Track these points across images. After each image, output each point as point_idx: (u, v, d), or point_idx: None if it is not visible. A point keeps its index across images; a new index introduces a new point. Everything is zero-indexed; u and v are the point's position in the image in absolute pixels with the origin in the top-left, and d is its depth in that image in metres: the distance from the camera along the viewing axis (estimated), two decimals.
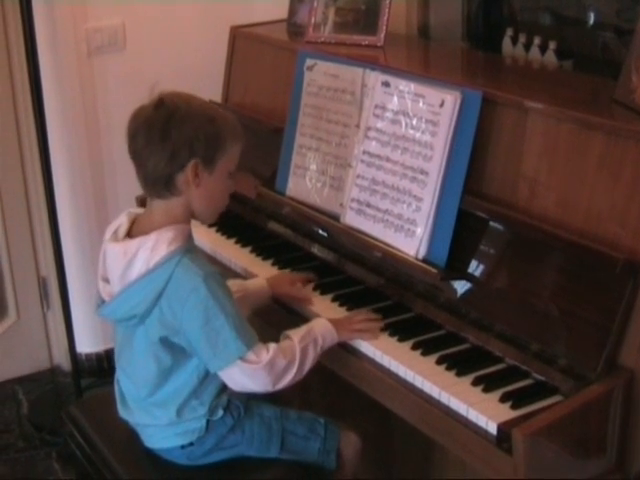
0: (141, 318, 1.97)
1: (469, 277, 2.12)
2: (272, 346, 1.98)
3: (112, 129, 3.43)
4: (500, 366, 2.02)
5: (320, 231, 2.55)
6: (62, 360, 3.73)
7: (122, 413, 2.17)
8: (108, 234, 2.05)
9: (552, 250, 1.98)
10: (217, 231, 2.76)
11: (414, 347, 2.10)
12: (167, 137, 1.92)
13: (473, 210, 2.14)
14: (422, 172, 2.21)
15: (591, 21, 2.72)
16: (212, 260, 2.55)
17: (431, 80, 2.25)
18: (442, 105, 2.17)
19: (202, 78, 3.06)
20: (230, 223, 2.67)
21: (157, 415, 2.07)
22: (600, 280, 1.87)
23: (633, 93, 2.05)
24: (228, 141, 1.99)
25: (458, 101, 2.15)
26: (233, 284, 2.24)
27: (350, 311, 2.26)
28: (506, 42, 2.78)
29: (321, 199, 2.50)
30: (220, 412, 2.09)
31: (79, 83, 3.37)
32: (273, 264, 2.55)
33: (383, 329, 2.17)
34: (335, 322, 2.14)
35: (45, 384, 3.68)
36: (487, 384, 1.93)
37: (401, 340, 2.13)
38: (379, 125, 2.33)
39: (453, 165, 2.16)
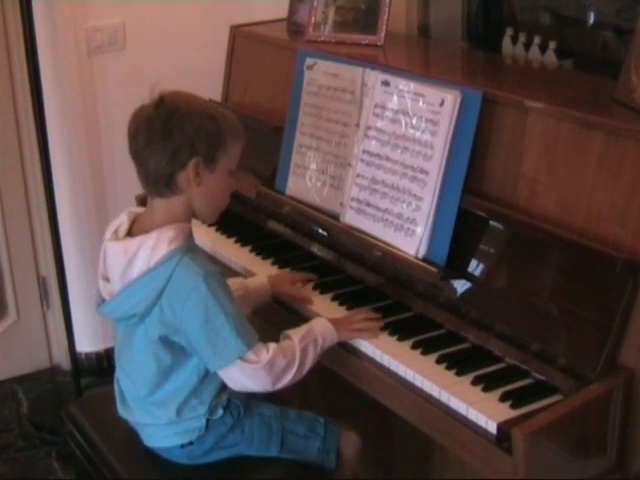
0: (141, 317, 1.97)
1: (469, 276, 2.12)
2: (272, 346, 1.98)
3: (112, 129, 3.43)
4: (500, 365, 2.02)
5: (320, 230, 2.55)
6: (62, 359, 3.73)
7: (122, 412, 2.17)
8: (109, 233, 2.05)
9: (552, 250, 1.98)
10: (217, 230, 2.76)
11: (414, 346, 2.10)
12: (168, 136, 1.92)
13: (473, 209, 2.14)
14: (422, 171, 2.21)
15: (591, 21, 2.72)
16: (212, 259, 2.55)
17: (431, 79, 2.25)
18: (442, 104, 2.17)
19: (202, 77, 3.06)
20: (230, 222, 2.67)
21: (157, 414, 2.07)
22: (600, 280, 1.87)
23: (633, 93, 2.05)
24: (229, 139, 1.99)
25: (458, 100, 2.15)
26: (234, 282, 2.24)
27: (350, 310, 2.26)
28: (506, 42, 2.78)
29: (321, 198, 2.50)
30: (220, 411, 2.09)
31: (79, 83, 3.37)
32: (273, 263, 2.55)
33: (383, 328, 2.17)
34: (335, 322, 2.14)
35: (45, 383, 3.68)
36: (487, 383, 1.93)
37: (401, 339, 2.13)
38: (379, 124, 2.33)
39: (453, 164, 2.16)
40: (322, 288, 2.38)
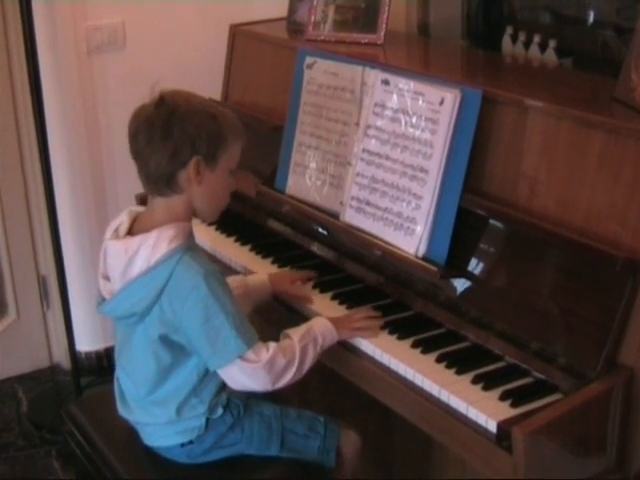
0: (141, 316, 1.97)
1: (469, 275, 2.12)
2: (272, 345, 1.98)
3: (112, 128, 3.43)
4: (500, 364, 2.02)
5: (320, 229, 2.55)
6: (62, 358, 3.73)
7: (122, 411, 2.17)
8: (109, 232, 2.05)
9: (552, 248, 1.98)
10: (217, 229, 2.76)
11: (414, 345, 2.10)
12: (169, 135, 1.92)
13: (473, 208, 2.13)
14: (422, 170, 2.21)
15: (591, 19, 2.72)
16: (212, 258, 2.55)
17: (431, 78, 2.25)
18: (442, 103, 2.17)
19: (202, 76, 3.06)
20: (230, 221, 2.67)
21: (157, 413, 2.07)
22: (600, 279, 1.87)
23: (633, 91, 2.05)
24: (230, 138, 1.99)
25: (458, 99, 2.14)
26: (234, 280, 2.24)
27: (350, 309, 2.26)
28: (506, 40, 2.78)
29: (321, 197, 2.50)
30: (220, 410, 2.09)
31: (79, 82, 3.37)
32: (273, 262, 2.55)
33: (383, 327, 2.17)
34: (335, 320, 2.14)
35: (45, 382, 3.68)
36: (487, 382, 1.93)
37: (401, 338, 2.13)
38: (379, 123, 2.33)
39: (453, 163, 2.16)
40: (322, 287, 2.38)
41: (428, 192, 2.19)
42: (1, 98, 3.36)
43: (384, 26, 2.79)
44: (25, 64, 3.05)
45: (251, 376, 1.95)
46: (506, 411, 1.85)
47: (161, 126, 1.92)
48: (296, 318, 2.24)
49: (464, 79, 2.47)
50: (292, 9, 3.09)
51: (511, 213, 2.08)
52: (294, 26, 3.06)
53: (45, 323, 3.73)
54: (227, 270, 2.49)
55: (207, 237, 2.69)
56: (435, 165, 2.18)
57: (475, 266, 2.11)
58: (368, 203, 2.34)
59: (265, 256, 2.59)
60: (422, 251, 2.20)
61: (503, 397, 1.88)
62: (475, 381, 1.95)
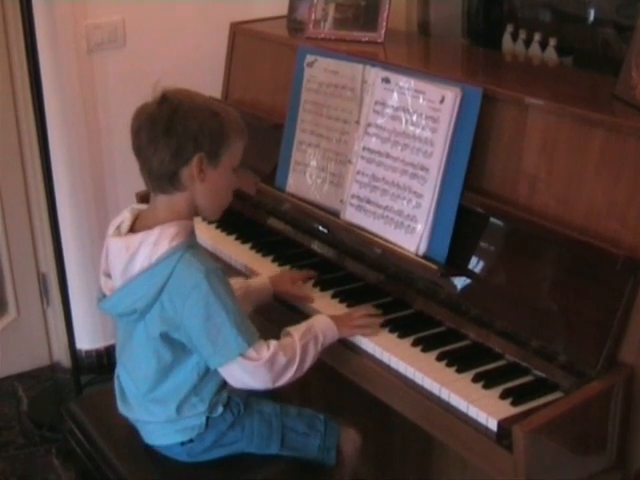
0: (142, 313, 1.97)
1: (469, 273, 2.12)
2: (273, 343, 1.98)
3: (112, 126, 3.43)
4: (500, 363, 2.02)
5: (320, 227, 2.55)
6: (62, 357, 3.73)
7: (122, 410, 2.17)
8: (111, 229, 2.05)
9: (552, 247, 1.98)
10: (217, 228, 2.76)
11: (414, 343, 2.10)
12: (171, 132, 1.92)
13: (473, 206, 2.13)
14: (422, 168, 2.21)
15: (591, 18, 2.72)
16: (213, 257, 2.54)
17: (431, 76, 2.25)
18: (442, 101, 2.17)
19: (202, 75, 3.06)
20: (230, 220, 2.67)
21: (157, 412, 2.07)
22: (600, 277, 1.87)
23: (633, 89, 2.05)
24: (232, 136, 1.99)
25: (458, 97, 2.14)
26: (235, 282, 2.24)
27: (350, 308, 2.26)
28: (506, 38, 2.78)
29: (321, 195, 2.50)
30: (220, 409, 2.09)
31: (79, 80, 3.37)
32: (273, 260, 2.55)
33: (383, 325, 2.17)
34: (335, 318, 2.14)
35: (45, 381, 3.68)
36: (487, 381, 1.93)
37: (401, 337, 2.13)
38: (379, 121, 2.33)
39: (453, 161, 2.16)
40: (322, 285, 2.38)
41: (428, 190, 2.19)
42: (1, 96, 3.36)
43: (384, 24, 2.79)
44: (25, 62, 3.04)
45: (252, 374, 1.95)
46: (506, 409, 1.85)
47: (164, 124, 1.93)
48: (297, 316, 2.24)
49: (464, 77, 2.46)
50: (292, 7, 3.09)
51: (511, 211, 2.08)
52: (294, 24, 3.06)
53: (45, 321, 3.72)
54: (228, 269, 2.49)
55: (208, 235, 2.68)
56: (435, 163, 2.18)
57: (475, 264, 2.11)
58: (368, 201, 2.34)
59: (265, 254, 2.59)
60: (422, 249, 2.20)
61: (503, 395, 1.88)
62: (475, 379, 1.95)
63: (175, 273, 1.91)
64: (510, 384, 1.92)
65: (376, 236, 2.31)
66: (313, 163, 2.53)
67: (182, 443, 2.08)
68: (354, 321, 2.16)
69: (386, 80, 2.32)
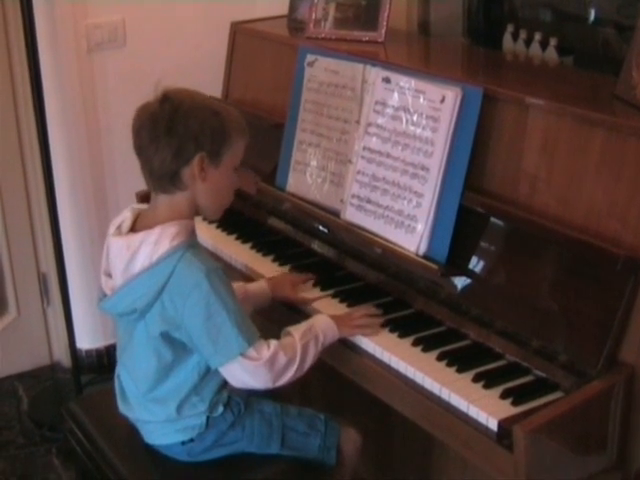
0: (142, 312, 1.97)
1: (470, 273, 2.12)
2: (273, 343, 1.98)
3: (112, 125, 3.43)
4: (501, 362, 2.02)
5: (320, 227, 2.55)
6: (62, 356, 3.73)
7: (122, 409, 2.17)
8: (112, 229, 2.05)
9: (552, 246, 1.98)
10: (217, 227, 2.76)
11: (415, 343, 2.10)
12: (173, 132, 1.92)
13: (474, 206, 2.13)
14: (423, 168, 2.21)
15: (592, 17, 2.72)
16: (213, 257, 2.54)
17: (432, 76, 2.25)
18: (443, 101, 2.17)
19: (202, 74, 3.06)
20: (231, 219, 2.66)
21: (157, 411, 2.07)
22: (601, 277, 1.87)
23: (634, 89, 2.05)
24: (233, 135, 1.99)
25: (459, 97, 2.14)
26: (235, 286, 2.23)
27: (350, 307, 2.26)
28: (507, 38, 2.78)
29: (321, 195, 2.50)
30: (220, 408, 2.09)
31: (79, 79, 3.37)
32: (273, 260, 2.55)
33: (383, 325, 2.17)
34: (336, 318, 2.14)
35: (45, 380, 3.68)
36: (488, 380, 1.93)
37: (402, 336, 2.13)
38: (380, 121, 2.33)
39: (454, 161, 2.16)
40: (323, 285, 2.38)
41: (429, 190, 2.19)
42: (2, 96, 3.36)
43: (385, 24, 2.79)
44: (26, 62, 3.04)
45: (252, 374, 1.95)
46: (507, 409, 1.85)
47: (165, 123, 1.93)
48: (297, 316, 2.24)
49: (465, 77, 2.46)
50: (293, 7, 3.09)
51: (512, 211, 2.08)
52: (295, 24, 3.06)
53: (45, 321, 3.72)
54: (228, 268, 2.49)
55: (208, 235, 2.68)
56: (436, 163, 2.18)
57: (476, 264, 2.11)
58: (369, 201, 2.34)
59: (266, 254, 2.59)
60: (423, 249, 2.20)
61: (504, 395, 1.88)
62: (476, 379, 1.95)
63: (176, 272, 1.91)
64: (510, 384, 1.92)
65: (376, 236, 2.31)
66: (313, 163, 2.53)
67: (182, 443, 2.08)
68: (354, 321, 2.16)
69: (386, 80, 2.31)
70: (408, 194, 2.24)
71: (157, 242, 1.93)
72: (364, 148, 2.36)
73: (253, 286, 2.35)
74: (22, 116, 3.41)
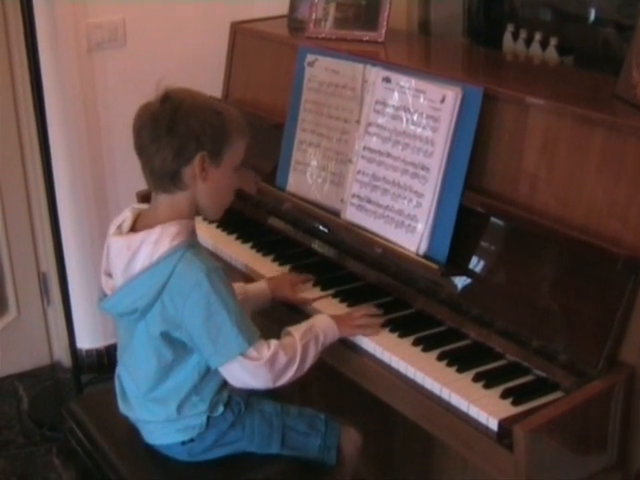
0: (142, 312, 1.97)
1: (470, 273, 2.12)
2: (273, 342, 1.98)
3: (112, 125, 3.43)
4: (501, 362, 2.02)
5: (321, 227, 2.55)
6: (62, 356, 3.73)
7: (123, 409, 2.17)
8: (112, 229, 2.05)
9: (553, 246, 1.98)
10: (218, 227, 2.76)
11: (415, 343, 2.10)
12: (174, 131, 1.92)
13: (474, 206, 2.13)
14: (423, 168, 2.21)
15: (592, 17, 2.72)
16: (214, 256, 2.53)
17: (432, 76, 2.25)
18: (443, 101, 2.17)
19: (203, 74, 3.06)
20: (231, 219, 2.66)
21: (157, 411, 2.07)
22: (601, 276, 1.87)
23: (634, 89, 2.05)
24: (234, 135, 1.99)
25: (459, 97, 2.14)
26: (234, 287, 2.23)
27: (351, 307, 2.26)
28: (507, 38, 2.78)
29: (322, 195, 2.50)
30: (220, 408, 2.09)
31: (79, 79, 3.37)
32: (274, 260, 2.55)
33: (384, 325, 2.17)
34: (336, 318, 2.14)
35: (45, 380, 3.68)
36: (488, 380, 1.93)
37: (402, 336, 2.13)
38: (380, 121, 2.33)
39: (454, 161, 2.16)
40: (323, 285, 2.37)
41: (429, 190, 2.19)
42: (2, 95, 3.36)
43: (385, 24, 2.79)
44: (26, 61, 3.04)
45: (252, 374, 1.95)
46: (507, 409, 1.85)
47: (166, 123, 1.93)
48: (297, 316, 2.24)
49: (465, 77, 2.46)
50: (293, 7, 3.09)
51: (512, 211, 2.08)
52: (295, 24, 3.06)
53: (46, 320, 3.72)
54: (229, 268, 2.50)
55: (208, 235, 2.68)
56: (436, 163, 2.18)
57: (476, 264, 2.11)
58: (369, 201, 2.34)
59: (266, 254, 2.59)
60: (423, 249, 2.20)
61: (504, 395, 1.88)
62: (476, 379, 1.95)
63: (176, 272, 1.91)
64: (511, 384, 1.92)
65: (377, 236, 2.31)
66: (314, 162, 2.53)
67: (183, 442, 2.08)
68: (355, 321, 2.16)
69: (387, 79, 2.31)
70: (408, 194, 2.24)
71: (157, 242, 1.93)
72: (364, 148, 2.36)
73: (253, 286, 2.35)
74: (22, 116, 3.41)
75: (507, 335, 2.03)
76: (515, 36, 2.75)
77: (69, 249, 3.43)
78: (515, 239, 2.07)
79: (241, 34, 3.07)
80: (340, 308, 2.27)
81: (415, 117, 2.24)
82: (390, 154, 2.29)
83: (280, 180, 2.62)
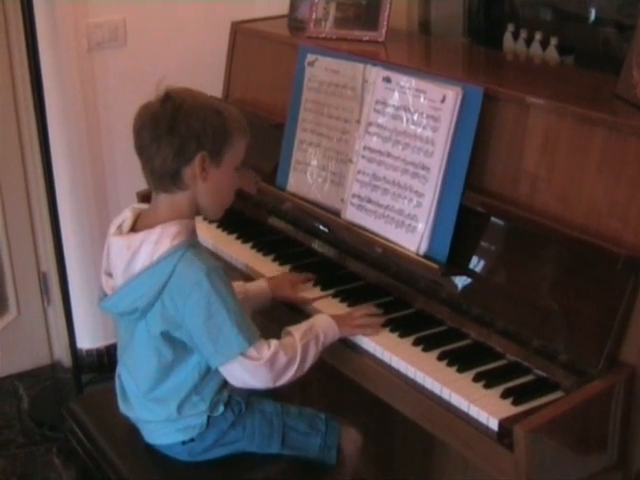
0: (143, 312, 1.97)
1: (470, 273, 2.12)
2: (273, 342, 1.98)
3: (112, 124, 3.43)
4: (501, 362, 2.01)
5: (321, 227, 2.55)
6: (62, 356, 3.73)
7: (123, 409, 2.17)
8: (112, 228, 2.05)
9: (553, 246, 1.98)
10: (218, 227, 2.76)
11: (415, 343, 2.10)
12: (174, 131, 1.92)
13: (474, 206, 2.13)
14: (423, 168, 2.21)
15: (592, 17, 2.72)
16: (214, 256, 2.54)
17: (432, 76, 2.25)
18: (443, 101, 2.17)
19: (203, 74, 3.05)
20: (231, 219, 2.66)
21: (157, 411, 2.07)
22: (601, 276, 1.87)
23: (634, 88, 2.05)
24: (235, 134, 1.99)
25: (459, 97, 2.14)
26: (235, 286, 2.23)
27: (351, 307, 2.26)
28: (507, 37, 2.78)
29: (322, 195, 2.50)
30: (221, 408, 2.08)
31: (79, 79, 3.37)
32: (274, 260, 2.55)
33: (384, 325, 2.17)
34: (336, 318, 2.14)
35: (45, 380, 3.68)
36: (488, 380, 1.93)
37: (402, 336, 2.13)
38: (380, 121, 2.33)
39: (454, 161, 2.16)
40: (323, 285, 2.37)
41: (429, 189, 2.19)
42: (2, 95, 3.36)
43: (385, 23, 2.79)
44: (26, 61, 3.04)
45: (252, 373, 1.95)
46: (507, 409, 1.85)
47: (166, 122, 1.93)
48: (297, 316, 2.24)
49: (465, 76, 2.46)
50: (293, 6, 3.09)
51: (512, 210, 2.08)
52: (295, 23, 3.06)
53: (46, 320, 3.72)
54: (229, 268, 2.50)
55: (209, 235, 2.68)
56: (436, 162, 2.18)
57: (476, 264, 2.11)
58: (369, 200, 2.34)
59: (266, 254, 2.59)
60: (423, 249, 2.20)
61: (504, 395, 1.88)
62: (476, 379, 1.95)
63: (176, 272, 1.91)
64: (511, 384, 1.92)
65: (377, 235, 2.31)
66: (314, 162, 2.53)
67: (183, 442, 2.08)
68: (355, 320, 2.16)
69: (387, 79, 2.31)
70: (409, 193, 2.24)
71: (158, 241, 1.93)
72: (365, 148, 2.36)
73: (253, 285, 2.35)
74: (23, 115, 3.41)
75: (507, 335, 2.03)
76: (515, 36, 2.75)
77: (69, 249, 3.43)
78: (515, 239, 2.07)
79: (241, 34, 3.07)
80: (340, 308, 2.27)
81: (415, 117, 2.24)
82: (390, 154, 2.29)
83: (280, 180, 2.62)
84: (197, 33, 3.48)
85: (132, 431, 2.17)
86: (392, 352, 2.07)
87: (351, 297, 2.30)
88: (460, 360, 2.01)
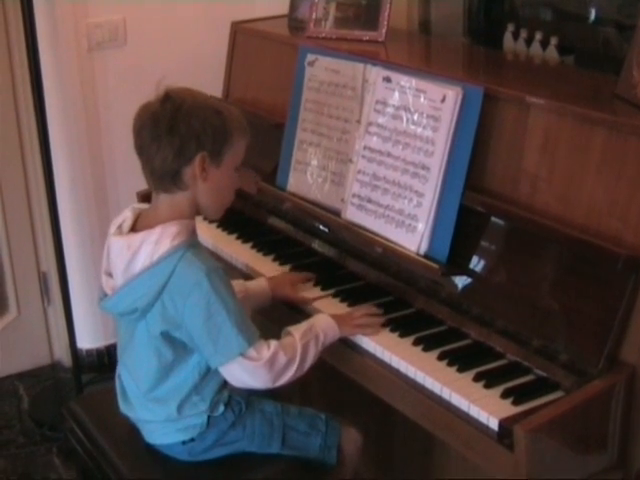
0: (143, 312, 1.97)
1: (470, 273, 2.12)
2: (273, 343, 1.98)
3: (112, 124, 3.43)
4: (502, 362, 2.01)
5: (321, 227, 2.55)
6: (63, 356, 3.73)
7: (123, 409, 2.17)
8: (112, 228, 2.05)
9: (553, 246, 1.98)
10: (218, 227, 2.76)
11: (415, 343, 2.10)
12: (174, 131, 1.92)
13: (474, 206, 2.13)
14: (423, 167, 2.21)
15: (592, 17, 2.72)
16: (214, 256, 2.54)
17: (432, 75, 2.25)
18: (443, 100, 2.17)
19: (203, 74, 3.05)
20: (231, 219, 2.66)
21: (158, 411, 2.07)
22: (602, 276, 1.87)
23: (635, 88, 2.05)
24: (235, 134, 1.99)
25: (459, 96, 2.14)
26: (235, 284, 2.23)
27: (351, 307, 2.26)
28: (507, 37, 2.78)
29: (322, 194, 2.50)
30: (221, 408, 2.08)
31: (79, 79, 3.37)
32: (274, 260, 2.55)
33: (384, 325, 2.17)
34: (336, 318, 2.14)
35: (46, 380, 3.68)
36: (488, 380, 1.93)
37: (402, 336, 2.13)
38: (380, 120, 2.33)
39: (454, 160, 2.16)
40: (323, 284, 2.37)
41: (430, 189, 2.19)
42: (2, 95, 3.36)
43: (385, 23, 2.79)
44: (26, 61, 3.04)
45: (252, 374, 1.95)
46: (508, 409, 1.85)
47: (167, 122, 1.92)
48: (297, 316, 2.24)
49: (466, 76, 2.46)
50: (293, 6, 3.09)
51: (512, 210, 2.08)
52: (295, 23, 3.06)
53: (46, 320, 3.72)
54: (229, 268, 2.49)
55: (209, 235, 2.68)
56: (437, 162, 2.18)
57: (477, 263, 2.11)
58: (369, 200, 2.34)
59: (266, 254, 2.59)
60: (424, 248, 2.20)
61: (505, 395, 1.88)
62: (477, 379, 1.95)
63: (176, 272, 1.91)
64: (511, 383, 1.92)
65: (377, 235, 2.31)
66: (314, 162, 2.53)
67: (183, 442, 2.08)
68: (355, 320, 2.16)
69: (387, 79, 2.31)
70: (409, 193, 2.24)
71: (158, 242, 1.93)
72: (365, 147, 2.36)
73: (253, 284, 2.35)
74: (23, 115, 3.41)
75: (507, 335, 2.03)
76: (515, 36, 2.75)
77: (69, 249, 3.43)
78: (515, 239, 2.07)
79: (241, 34, 3.07)
80: (340, 308, 2.27)
81: (415, 117, 2.24)
82: (390, 154, 2.29)
83: (280, 180, 2.62)
84: (197, 33, 3.48)
85: (132, 431, 2.17)
86: (392, 352, 2.07)
87: (351, 297, 2.30)
88: (460, 360, 2.01)
